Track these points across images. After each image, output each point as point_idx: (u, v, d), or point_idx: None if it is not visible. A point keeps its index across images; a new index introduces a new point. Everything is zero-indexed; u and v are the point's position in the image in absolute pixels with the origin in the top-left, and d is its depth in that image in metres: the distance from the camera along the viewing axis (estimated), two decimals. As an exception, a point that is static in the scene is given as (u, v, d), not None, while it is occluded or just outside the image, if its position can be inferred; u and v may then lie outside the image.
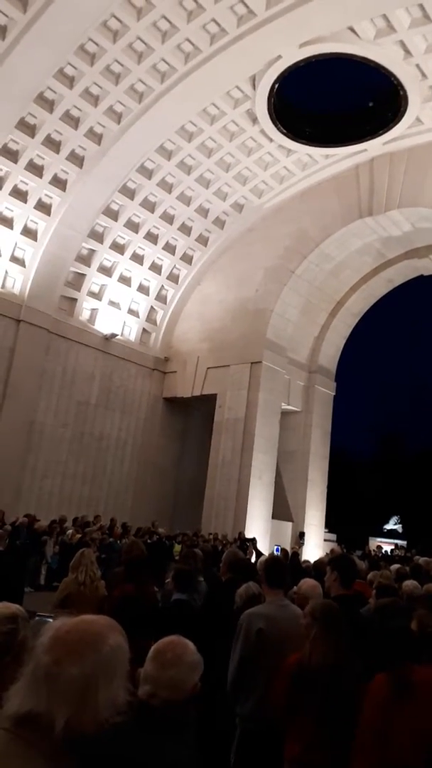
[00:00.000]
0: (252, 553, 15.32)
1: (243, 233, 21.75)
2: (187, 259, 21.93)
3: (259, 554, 14.50)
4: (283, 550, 17.27)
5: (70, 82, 15.79)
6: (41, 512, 16.15)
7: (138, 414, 22.03)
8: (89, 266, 19.78)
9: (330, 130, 18.78)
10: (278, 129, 18.07)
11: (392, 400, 79.24)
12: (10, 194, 17.16)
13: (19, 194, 17.36)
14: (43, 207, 17.87)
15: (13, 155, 16.68)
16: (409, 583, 5.88)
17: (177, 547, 15.99)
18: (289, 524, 21.49)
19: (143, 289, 21.60)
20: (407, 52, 15.10)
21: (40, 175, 17.30)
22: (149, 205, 19.91)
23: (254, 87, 16.71)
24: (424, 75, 15.82)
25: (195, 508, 20.86)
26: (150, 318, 22.32)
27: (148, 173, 19.01)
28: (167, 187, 19.69)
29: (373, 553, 22.70)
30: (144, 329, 22.25)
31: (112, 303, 20.91)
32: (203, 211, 20.90)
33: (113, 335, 20.82)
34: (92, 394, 20.54)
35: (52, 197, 17.82)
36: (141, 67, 15.58)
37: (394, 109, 17.29)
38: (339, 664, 3.13)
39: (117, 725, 1.40)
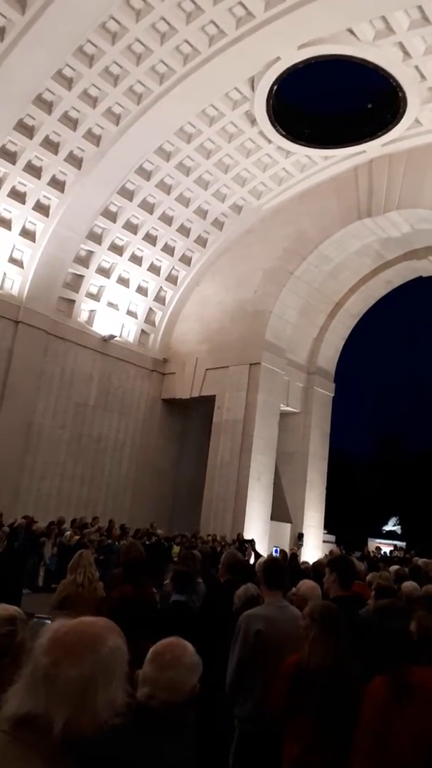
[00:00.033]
0: (251, 554, 15.30)
1: (242, 235, 21.77)
2: (185, 260, 21.94)
3: (257, 556, 14.49)
4: (282, 552, 17.29)
5: (69, 83, 15.80)
6: (39, 514, 16.14)
7: (136, 415, 22.03)
8: (88, 267, 19.78)
9: (329, 131, 18.81)
10: (277, 130, 18.10)
11: (391, 401, 79.40)
12: (8, 195, 17.16)
13: (18, 195, 17.37)
14: (42, 208, 17.87)
15: (11, 156, 16.69)
16: (408, 585, 5.88)
17: (175, 549, 15.98)
18: (288, 525, 21.48)
19: (142, 291, 21.60)
20: (406, 53, 15.13)
21: (39, 177, 17.30)
22: (148, 207, 19.92)
23: (253, 88, 16.73)
24: (423, 76, 15.85)
25: (193, 510, 20.84)
26: (149, 319, 22.32)
27: (146, 174, 19.02)
28: (166, 189, 19.70)
29: (372, 554, 22.72)
30: (143, 330, 22.25)
31: (110, 304, 20.91)
32: (202, 213, 20.91)
33: (112, 336, 20.82)
34: (90, 395, 20.53)
35: (51, 198, 17.83)
36: (140, 68, 15.60)
37: (393, 111, 17.32)
38: (338, 665, 3.12)
39: (116, 727, 1.40)
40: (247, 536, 17.93)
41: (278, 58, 15.65)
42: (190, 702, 2.03)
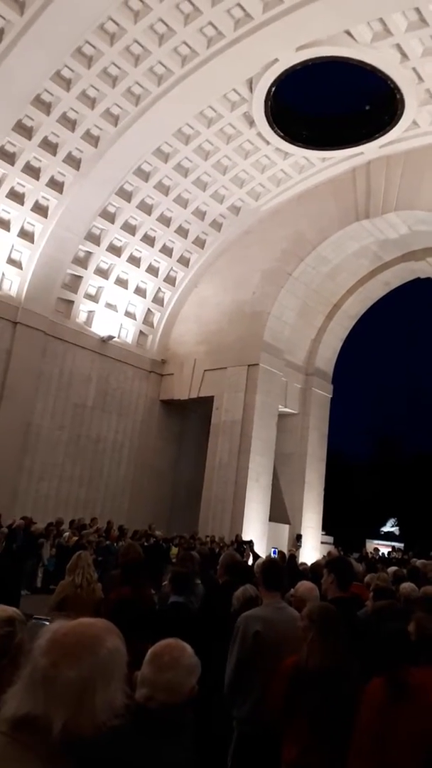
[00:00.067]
0: (249, 555, 15.30)
1: (240, 236, 21.77)
2: (184, 261, 21.94)
3: (256, 557, 14.48)
4: (280, 553, 17.25)
5: (67, 84, 15.80)
6: (38, 515, 16.11)
7: (135, 416, 22.02)
8: (86, 268, 19.77)
9: (327, 133, 18.83)
10: (275, 132, 18.11)
11: (389, 402, 79.45)
12: (6, 196, 17.15)
13: (16, 196, 17.36)
14: (40, 209, 17.87)
15: (9, 157, 16.68)
16: (407, 586, 5.88)
17: (174, 550, 15.97)
18: (286, 527, 21.48)
19: (140, 292, 21.60)
20: (404, 55, 15.15)
21: (37, 178, 17.30)
22: (146, 208, 19.93)
23: (251, 90, 16.75)
24: (420, 78, 15.88)
25: (192, 511, 20.83)
26: (147, 320, 22.31)
27: (145, 176, 19.02)
28: (164, 190, 19.70)
29: (370, 555, 22.73)
30: (141, 331, 22.24)
31: (108, 305, 20.90)
32: (200, 214, 20.92)
33: (110, 337, 20.81)
34: (89, 396, 20.51)
35: (49, 199, 17.82)
36: (138, 69, 15.60)
37: (391, 113, 17.34)
38: (336, 666, 3.13)
39: (114, 728, 1.40)
40: (245, 537, 17.92)
41: (276, 60, 15.67)
42: (188, 703, 2.03)
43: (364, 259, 21.81)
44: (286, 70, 16.04)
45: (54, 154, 17.06)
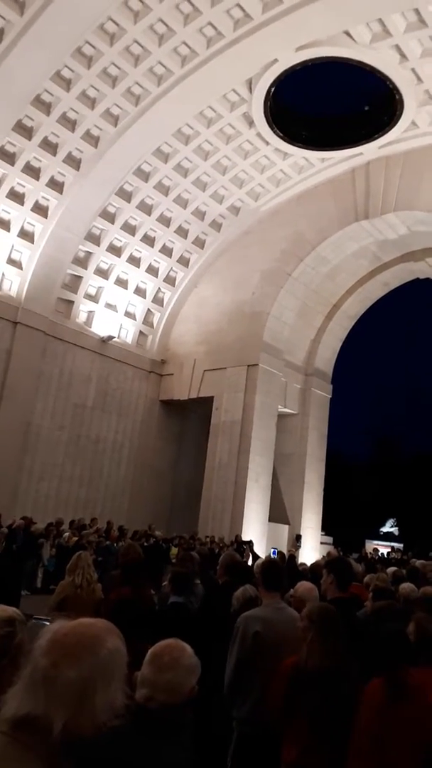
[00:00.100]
0: (249, 556, 15.30)
1: (239, 236, 21.78)
2: (183, 261, 21.95)
3: (255, 557, 14.49)
4: (280, 553, 17.24)
5: (67, 84, 15.80)
6: (38, 515, 16.11)
7: (135, 416, 22.02)
8: (86, 269, 19.78)
9: (326, 133, 18.84)
10: (275, 132, 18.12)
11: (388, 402, 79.39)
12: (6, 196, 17.15)
13: (16, 196, 17.36)
14: (40, 209, 17.87)
15: (9, 157, 16.68)
16: (406, 586, 5.89)
17: (174, 550, 15.97)
18: (286, 527, 21.48)
19: (140, 292, 21.60)
20: (403, 56, 15.17)
21: (37, 178, 17.30)
22: (146, 208, 19.93)
23: (251, 90, 16.75)
24: (419, 79, 15.89)
25: (192, 511, 20.84)
26: (147, 320, 22.32)
27: (144, 176, 19.03)
28: (164, 190, 19.71)
29: (369, 555, 22.73)
30: (141, 332, 22.24)
31: (108, 305, 20.91)
32: (200, 214, 20.93)
33: (110, 338, 20.81)
34: (89, 396, 20.51)
35: (49, 199, 17.82)
36: (138, 70, 15.61)
37: (390, 113, 17.35)
38: (336, 667, 3.13)
39: (114, 728, 1.40)
40: (245, 538, 17.92)
41: (276, 60, 15.68)
42: (188, 704, 2.03)
43: (363, 259, 21.82)
44: (286, 71, 16.05)
45: (54, 154, 17.06)
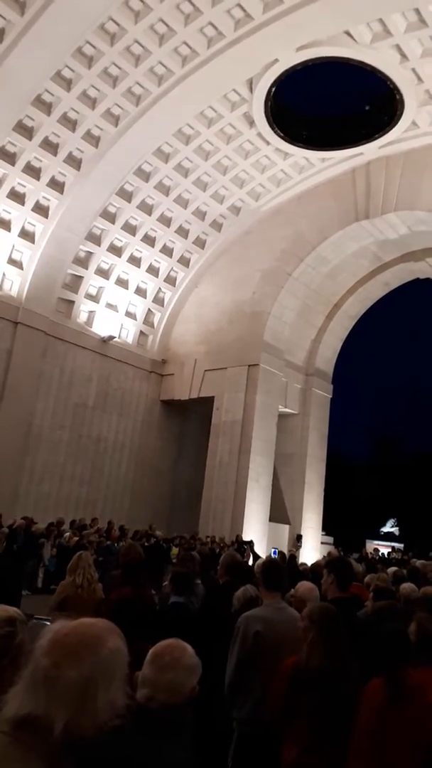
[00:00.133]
0: (249, 556, 15.30)
1: (240, 236, 21.78)
2: (184, 261, 21.95)
3: (256, 557, 14.48)
4: (281, 553, 17.27)
5: (68, 84, 15.80)
6: (38, 515, 16.11)
7: (135, 416, 22.02)
8: (87, 269, 19.78)
9: (327, 133, 18.84)
10: (275, 132, 18.12)
11: (388, 402, 79.40)
12: (7, 196, 17.16)
13: (17, 196, 17.36)
14: (41, 209, 17.88)
15: (10, 157, 16.69)
16: (407, 586, 5.89)
17: (174, 550, 15.97)
18: (287, 527, 21.48)
19: (140, 292, 21.61)
20: (403, 56, 15.16)
21: (38, 178, 17.31)
22: (147, 208, 19.93)
23: (251, 90, 16.75)
24: (420, 79, 15.89)
25: (192, 511, 20.84)
26: (147, 320, 22.32)
27: (145, 176, 19.03)
28: (164, 190, 19.71)
29: (370, 555, 22.71)
30: (141, 332, 22.25)
31: (109, 305, 20.91)
32: (200, 214, 20.93)
33: (111, 338, 20.82)
34: (89, 396, 20.52)
35: (50, 200, 17.83)
36: (138, 70, 15.61)
37: (391, 113, 17.35)
38: (336, 667, 3.13)
39: (115, 728, 1.40)
40: (245, 538, 17.92)
41: (276, 60, 15.68)
42: (189, 704, 2.03)
43: (363, 259, 21.82)
44: (286, 71, 16.05)
45: (55, 154, 17.06)
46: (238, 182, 20.13)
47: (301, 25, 14.26)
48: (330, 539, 25.57)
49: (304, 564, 13.61)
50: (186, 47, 15.23)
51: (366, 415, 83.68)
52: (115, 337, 20.99)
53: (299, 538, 21.09)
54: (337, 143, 18.80)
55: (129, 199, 19.35)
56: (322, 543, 22.97)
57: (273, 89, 16.71)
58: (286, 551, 18.16)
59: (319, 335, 23.09)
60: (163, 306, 22.39)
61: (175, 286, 22.27)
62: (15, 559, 11.80)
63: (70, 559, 5.83)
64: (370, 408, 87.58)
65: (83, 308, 20.28)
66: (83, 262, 19.68)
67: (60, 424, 19.49)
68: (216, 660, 3.65)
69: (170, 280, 22.10)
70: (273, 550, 18.77)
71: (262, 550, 17.98)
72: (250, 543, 17.13)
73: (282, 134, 18.24)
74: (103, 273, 20.36)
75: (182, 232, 21.13)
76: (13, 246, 17.83)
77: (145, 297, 21.74)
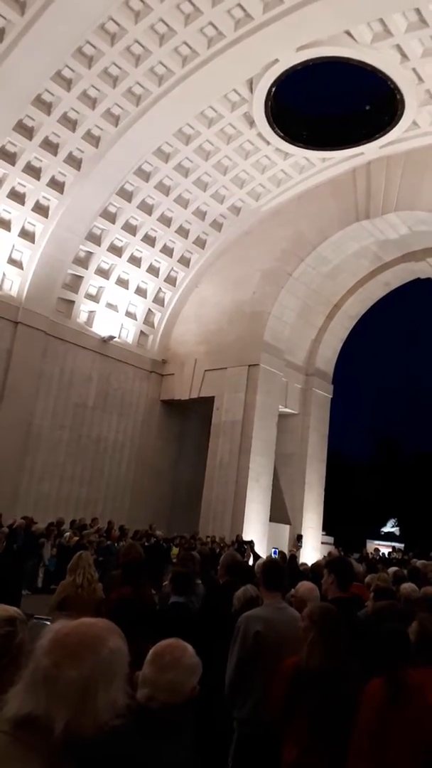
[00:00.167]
0: (249, 556, 15.30)
1: (240, 236, 21.78)
2: (184, 261, 21.95)
3: (256, 557, 14.48)
4: (281, 553, 17.28)
5: (68, 84, 15.80)
6: (38, 514, 16.11)
7: (135, 416, 22.02)
8: (87, 269, 19.78)
9: (327, 133, 18.83)
10: (275, 132, 18.12)
11: (389, 403, 79.44)
12: (7, 196, 17.16)
13: (17, 196, 17.36)
14: (41, 209, 17.88)
15: (10, 157, 16.69)
16: (407, 586, 5.88)
17: (174, 550, 15.97)
18: (287, 527, 21.48)
19: (141, 292, 21.61)
20: (404, 56, 15.16)
21: (38, 178, 17.31)
22: (147, 208, 19.93)
23: (251, 90, 16.75)
24: (420, 79, 15.89)
25: (192, 511, 20.84)
26: (147, 320, 22.32)
27: (145, 176, 19.03)
28: (165, 190, 19.71)
29: (370, 555, 22.70)
30: (141, 332, 22.25)
31: (109, 305, 20.91)
32: (201, 214, 20.93)
33: (111, 337, 20.82)
34: (90, 396, 20.52)
35: (50, 199, 17.83)
36: (138, 70, 15.61)
37: (391, 113, 17.35)
38: (337, 667, 3.13)
39: (116, 728, 1.40)
40: (246, 538, 17.92)
41: (276, 60, 15.67)
42: (189, 704, 2.03)
43: (364, 259, 21.81)
44: (287, 71, 16.05)
45: (55, 154, 17.06)
46: (239, 182, 20.13)
47: (301, 25, 14.25)
48: (330, 539, 25.57)
49: (305, 564, 13.62)
50: (186, 47, 15.23)
51: (367, 415, 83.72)
52: (115, 337, 20.99)
53: (299, 538, 21.09)
54: (337, 143, 18.79)
55: (129, 199, 19.35)
56: (322, 543, 22.98)
57: (273, 89, 16.71)
58: (286, 551, 18.18)
59: (320, 335, 23.09)
60: (163, 306, 22.39)
61: (175, 286, 22.27)
62: (15, 559, 11.80)
63: (70, 558, 5.83)
64: (370, 408, 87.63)
65: (83, 308, 20.28)
66: (83, 262, 19.68)
67: (60, 424, 19.49)
68: (216, 660, 3.65)
69: (170, 280, 22.10)
70: (273, 550, 18.77)
71: (262, 550, 17.98)
72: (251, 543, 17.13)
73: (282, 134, 18.24)
74: (104, 273, 20.36)
75: (182, 232, 21.13)
76: (13, 246, 17.83)
77: (145, 297, 21.74)
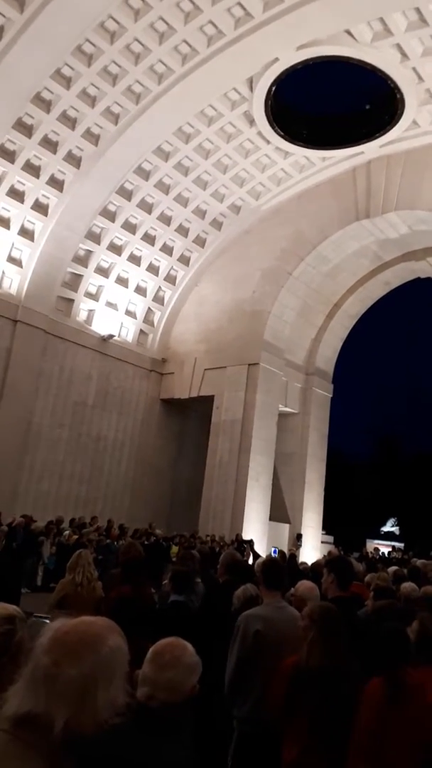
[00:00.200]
0: (249, 554, 15.30)
1: (240, 235, 21.77)
2: (184, 260, 21.93)
3: (256, 556, 14.48)
4: (281, 552, 17.28)
5: (68, 82, 15.78)
6: (38, 513, 16.12)
7: (135, 415, 22.02)
8: (86, 267, 19.77)
9: (327, 132, 18.82)
10: (275, 131, 18.10)
11: (389, 402, 79.48)
12: (7, 194, 17.14)
13: (16, 194, 17.35)
14: (40, 207, 17.86)
15: (10, 155, 16.67)
16: (407, 586, 5.88)
17: (174, 549, 15.98)
18: (287, 526, 21.48)
19: (140, 291, 21.60)
20: (404, 55, 15.14)
21: (37, 176, 17.29)
22: (146, 207, 19.92)
23: (251, 89, 16.73)
24: (420, 78, 15.87)
25: (192, 510, 20.85)
26: (147, 319, 22.31)
27: (145, 174, 19.02)
28: (164, 189, 19.69)
29: (370, 555, 22.74)
30: (141, 330, 22.24)
31: (109, 304, 20.90)
32: (200, 213, 20.91)
33: (110, 336, 20.81)
34: (89, 394, 20.52)
35: (49, 198, 17.81)
36: (138, 68, 15.59)
37: (391, 112, 17.33)
38: (336, 666, 3.12)
39: (115, 726, 1.40)
40: (245, 537, 17.92)
41: (277, 59, 15.65)
42: (189, 702, 2.03)
43: (364, 258, 21.81)
44: (287, 69, 16.03)
45: (54, 152, 17.05)
46: (239, 181, 20.11)
47: (301, 24, 14.24)
48: (330, 538, 25.58)
49: (304, 563, 13.62)
50: (186, 45, 15.21)
51: (367, 415, 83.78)
52: (114, 336, 20.99)
53: (299, 537, 21.10)
54: (337, 142, 18.78)
55: (129, 197, 19.33)
56: (322, 542, 22.99)
57: (273, 88, 16.69)
58: (286, 550, 18.17)
59: (320, 334, 23.09)
60: (163, 305, 22.38)
61: (175, 284, 22.26)
62: (14, 557, 11.80)
63: (70, 557, 5.82)
64: (370, 407, 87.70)
65: (83, 307, 20.27)
66: (83, 260, 19.67)
67: (59, 422, 19.48)
68: (216, 659, 3.65)
69: (170, 279, 22.09)
70: (273, 549, 18.77)
71: (262, 549, 17.98)
72: (250, 542, 17.13)
73: (282, 133, 18.22)
74: (103, 271, 20.35)
75: (182, 230, 21.12)
76: (13, 244, 17.81)
77: (145, 296, 21.73)
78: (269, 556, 12.52)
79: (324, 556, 15.43)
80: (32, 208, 17.66)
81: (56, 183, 17.68)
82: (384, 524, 47.65)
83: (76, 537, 13.80)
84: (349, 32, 14.71)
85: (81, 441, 20.09)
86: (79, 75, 15.63)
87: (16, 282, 18.16)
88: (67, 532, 14.61)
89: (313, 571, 8.82)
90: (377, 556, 22.01)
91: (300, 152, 19.11)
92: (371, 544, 30.47)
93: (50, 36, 13.99)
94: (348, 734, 2.92)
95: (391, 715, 2.88)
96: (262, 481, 20.16)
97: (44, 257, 18.17)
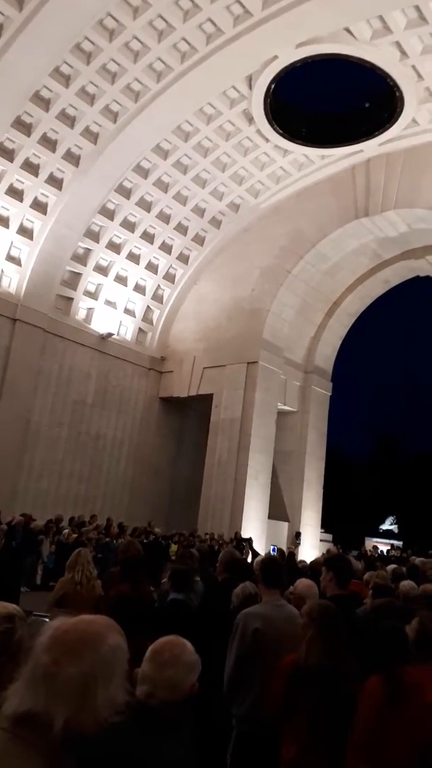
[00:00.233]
0: (248, 553, 15.30)
1: (239, 233, 21.75)
2: (183, 258, 21.92)
3: (255, 554, 14.48)
4: (280, 551, 17.25)
5: (66, 80, 15.76)
6: (37, 512, 16.12)
7: (134, 413, 22.02)
8: (85, 265, 19.75)
9: (326, 130, 18.80)
10: (274, 129, 18.08)
11: (388, 400, 79.49)
12: (5, 193, 17.12)
13: (15, 193, 17.33)
14: (39, 206, 17.84)
15: (8, 154, 16.65)
16: (406, 584, 5.89)
17: (173, 547, 15.99)
18: (286, 524, 21.50)
19: (139, 289, 21.59)
20: (403, 53, 15.12)
21: (36, 174, 17.27)
22: (145, 205, 19.90)
23: (250, 87, 16.71)
24: (420, 76, 15.86)
25: (191, 508, 20.86)
26: (146, 317, 22.30)
27: (144, 172, 19.00)
28: (163, 187, 19.68)
29: (369, 553, 22.74)
30: (140, 329, 22.23)
31: (108, 302, 20.89)
32: (199, 211, 20.90)
33: (109, 335, 20.80)
34: (88, 393, 20.51)
35: (48, 196, 17.79)
36: (137, 66, 15.57)
37: (390, 110, 17.32)
38: (335, 664, 3.13)
39: (115, 725, 1.40)
40: (244, 535, 17.92)
41: (276, 57, 15.63)
42: (188, 700, 2.03)
43: (363, 257, 21.80)
44: (286, 67, 16.00)
45: (53, 150, 17.02)
46: (238, 179, 20.10)
47: (300, 22, 14.22)
48: (329, 537, 25.60)
49: (303, 561, 13.63)
50: (185, 43, 15.19)
51: (366, 413, 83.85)
52: (113, 334, 20.97)
53: (298, 535, 21.12)
54: (336, 140, 18.76)
55: (128, 195, 19.31)
56: (321, 540, 23.01)
57: (272, 86, 16.66)
58: (285, 548, 18.17)
59: (319, 333, 23.09)
60: (162, 303, 22.37)
61: (174, 283, 22.25)
62: (14, 556, 11.79)
63: (69, 556, 5.83)
64: (370, 406, 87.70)
65: (82, 305, 20.26)
66: (82, 259, 19.66)
67: (59, 421, 19.48)
68: (215, 657, 3.65)
69: (169, 277, 22.08)
70: (272, 547, 18.76)
71: (261, 547, 17.98)
72: (249, 540, 17.12)
73: (281, 131, 18.20)
74: (102, 270, 20.33)
75: (181, 229, 21.10)
76: (12, 243, 17.80)
77: (144, 294, 21.72)
78: (268, 555, 12.52)
79: (323, 554, 15.45)
80: (31, 206, 17.64)
81: (55, 181, 17.66)
82: (383, 522, 47.70)
83: (75, 535, 13.81)
84: (348, 30, 14.69)
85: (80, 439, 20.09)
86: (78, 73, 15.60)
87: (15, 280, 18.15)
88: (66, 531, 14.62)
89: (312, 570, 8.84)
90: (376, 555, 22.02)
91: (299, 150, 19.09)
92: (370, 543, 30.45)
93: (49, 34, 13.96)
94: (347, 733, 2.92)
95: (390, 714, 2.88)
96: (261, 479, 20.17)
97: (43, 256, 18.16)
